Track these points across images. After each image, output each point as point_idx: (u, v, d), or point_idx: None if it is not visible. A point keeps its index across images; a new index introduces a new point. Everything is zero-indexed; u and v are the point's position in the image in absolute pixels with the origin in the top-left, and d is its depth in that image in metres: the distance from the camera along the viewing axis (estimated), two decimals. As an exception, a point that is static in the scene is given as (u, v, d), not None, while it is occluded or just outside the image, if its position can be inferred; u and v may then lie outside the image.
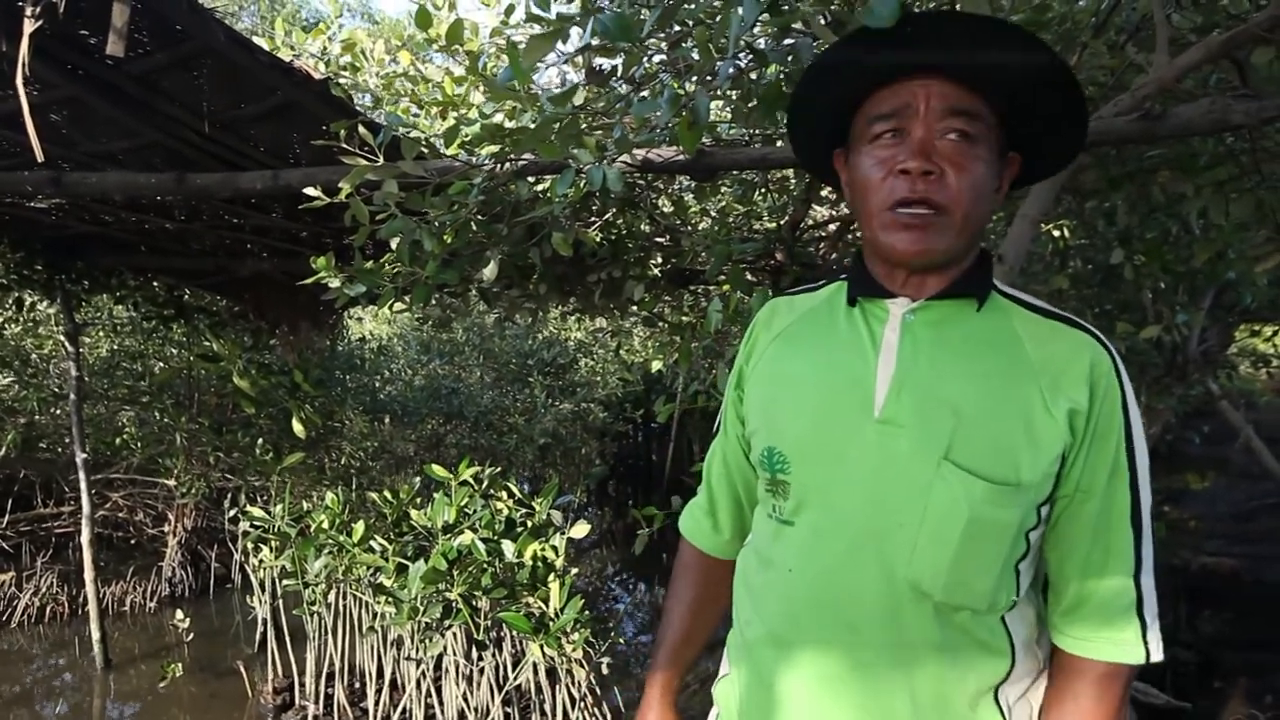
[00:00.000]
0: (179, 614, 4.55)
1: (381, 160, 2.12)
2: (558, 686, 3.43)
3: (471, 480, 3.61)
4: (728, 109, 2.63)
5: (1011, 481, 0.94)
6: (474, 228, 2.27)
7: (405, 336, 8.44)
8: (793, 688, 1.04)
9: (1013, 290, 1.06)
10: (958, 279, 1.01)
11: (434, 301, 3.37)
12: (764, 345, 1.16)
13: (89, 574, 4.43)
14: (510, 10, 2.37)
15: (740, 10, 1.43)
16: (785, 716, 1.05)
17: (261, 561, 3.99)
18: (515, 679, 3.43)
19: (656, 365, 2.84)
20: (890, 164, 0.95)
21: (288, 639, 4.08)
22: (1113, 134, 2.14)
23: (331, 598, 3.96)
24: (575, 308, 3.80)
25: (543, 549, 3.35)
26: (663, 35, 1.74)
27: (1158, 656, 0.98)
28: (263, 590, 4.24)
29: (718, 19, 1.45)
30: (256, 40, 2.33)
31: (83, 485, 4.43)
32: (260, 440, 5.28)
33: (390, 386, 7.19)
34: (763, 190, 3.20)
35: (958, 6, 1.54)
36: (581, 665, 3.30)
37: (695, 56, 1.60)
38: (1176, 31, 2.67)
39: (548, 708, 3.50)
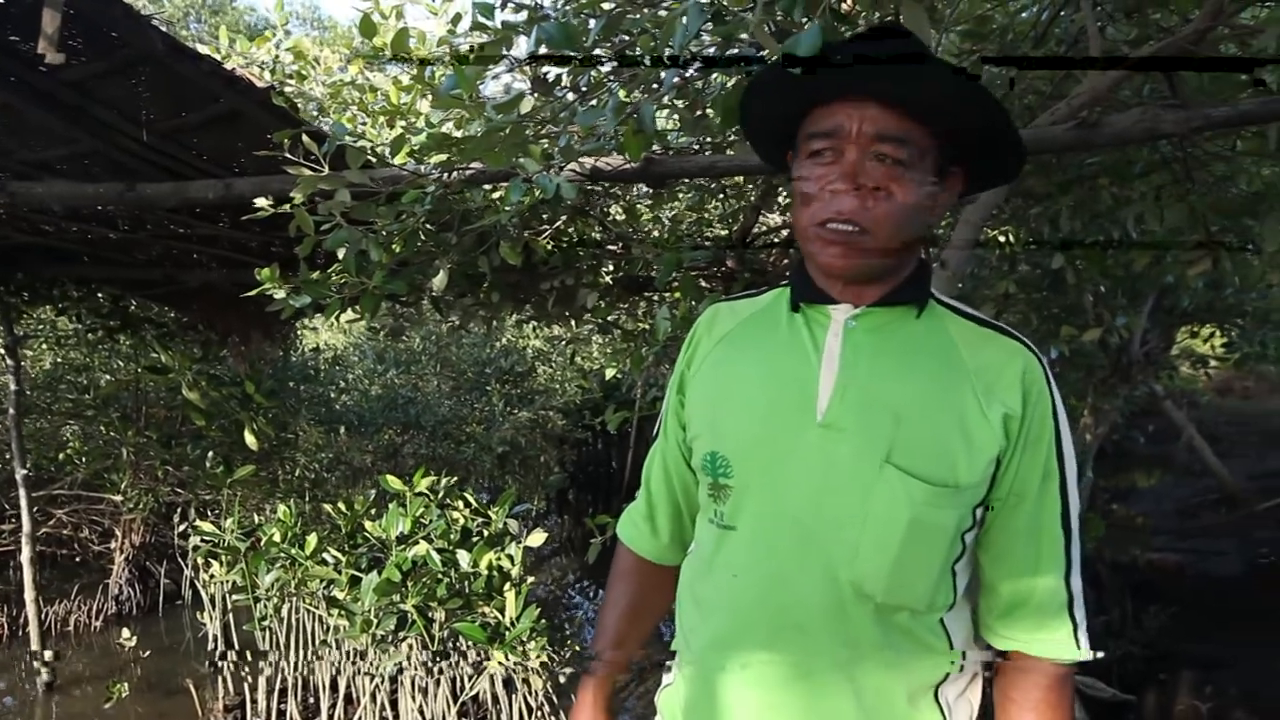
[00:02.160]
0: (125, 632, 4.43)
1: (327, 170, 2.09)
2: (514, 696, 3.41)
3: (427, 490, 3.58)
4: (673, 117, 2.65)
5: (950, 483, 0.96)
6: (422, 237, 2.25)
7: (361, 346, 8.34)
8: (739, 692, 1.05)
9: (948, 299, 1.09)
10: (897, 287, 1.03)
11: (386, 311, 3.33)
12: (706, 350, 1.16)
13: (29, 594, 4.30)
14: (457, 19, 2.36)
15: (684, 20, 1.44)
16: (730, 718, 1.06)
17: (212, 576, 3.91)
18: (471, 689, 3.40)
19: (611, 372, 2.84)
20: (823, 182, 0.97)
21: (239, 655, 4.00)
22: (1050, 142, 2.20)
23: (285, 612, 3.89)
24: (530, 315, 3.79)
25: (498, 558, 3.33)
26: (609, 44, 1.75)
27: (1087, 655, 1.01)
28: (213, 606, 4.16)
29: (662, 28, 1.46)
30: (201, 47, 2.29)
31: (23, 502, 4.30)
32: (211, 453, 5.17)
33: (346, 396, 7.09)
34: (717, 197, 3.23)
35: (900, 18, 1.56)
36: (538, 674, 3.29)
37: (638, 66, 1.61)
38: (1111, 43, 2.75)
39: (504, 718, 3.48)
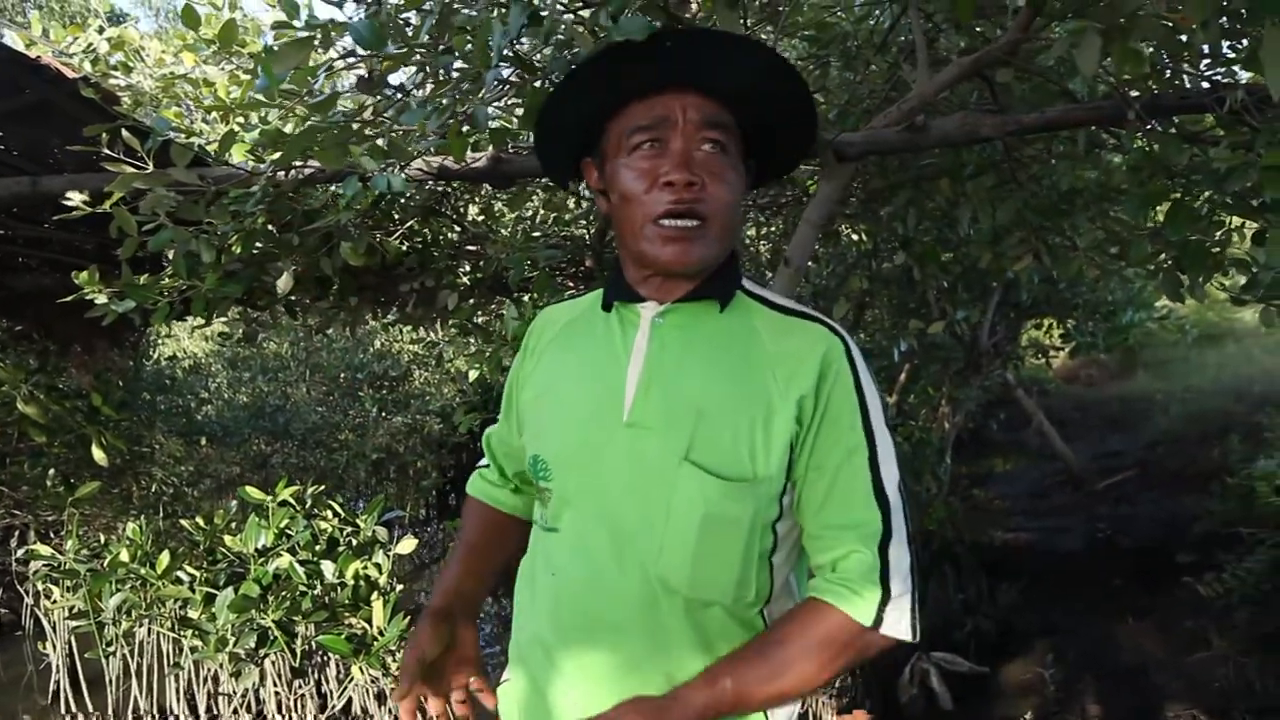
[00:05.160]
0: (-48, 670, 4.08)
1: (152, 167, 1.98)
2: (384, 707, 3.32)
3: (292, 500, 3.45)
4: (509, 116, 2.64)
5: (747, 477, 0.96)
6: (261, 238, 2.16)
7: (224, 353, 7.93)
8: (561, 688, 1.06)
9: (759, 289, 1.10)
10: (702, 282, 1.03)
11: (237, 315, 3.19)
12: (536, 356, 1.17)
13: None
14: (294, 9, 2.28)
15: (506, 20, 1.44)
16: (557, 715, 1.07)
17: (54, 602, 3.65)
18: (337, 703, 3.30)
19: (474, 374, 2.80)
20: (653, 175, 0.96)
21: (84, 685, 3.75)
22: (882, 143, 2.31)
23: (140, 635, 3.67)
24: (395, 319, 3.71)
25: (365, 567, 3.24)
26: (439, 42, 1.73)
27: (898, 634, 0.95)
28: (55, 634, 3.88)
29: (478, 29, 1.46)
30: (11, 37, 2.13)
31: None
32: (52, 471, 4.81)
33: (208, 406, 6.74)
34: (573, 197, 3.23)
35: (714, 23, 1.61)
36: (408, 684, 3.21)
37: (467, 65, 1.60)
38: (942, 53, 2.91)
39: (375, 731, 3.39)
